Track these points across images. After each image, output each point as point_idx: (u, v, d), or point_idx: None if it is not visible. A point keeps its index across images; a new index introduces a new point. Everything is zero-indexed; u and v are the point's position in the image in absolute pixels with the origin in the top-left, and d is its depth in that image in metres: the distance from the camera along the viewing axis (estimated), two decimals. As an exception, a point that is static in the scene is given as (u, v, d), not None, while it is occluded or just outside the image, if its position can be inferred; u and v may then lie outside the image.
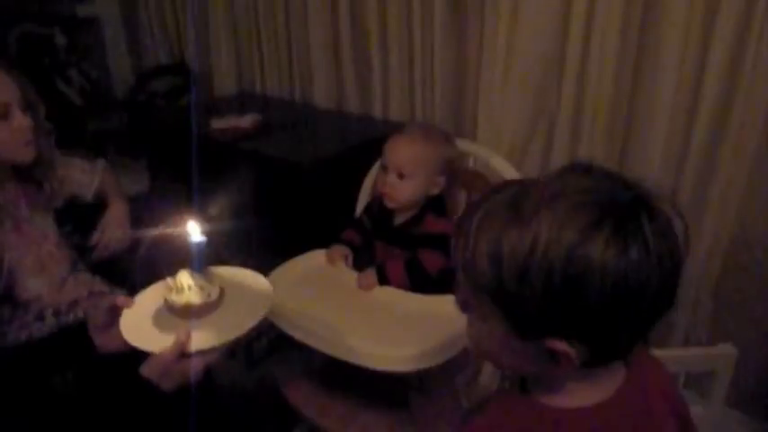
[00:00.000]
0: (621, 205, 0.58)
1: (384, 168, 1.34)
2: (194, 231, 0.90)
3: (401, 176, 1.31)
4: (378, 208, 1.43)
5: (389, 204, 1.35)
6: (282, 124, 2.15)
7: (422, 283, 1.30)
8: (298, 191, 1.78)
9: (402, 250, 1.37)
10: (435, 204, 1.36)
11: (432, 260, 1.31)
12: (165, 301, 0.92)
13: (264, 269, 1.87)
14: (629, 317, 0.59)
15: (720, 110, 1.48)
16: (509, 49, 1.72)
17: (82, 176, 1.54)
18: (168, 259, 0.96)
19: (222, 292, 0.94)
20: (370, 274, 1.30)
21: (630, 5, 1.53)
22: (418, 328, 1.16)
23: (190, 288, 0.90)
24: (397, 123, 2.08)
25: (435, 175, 1.32)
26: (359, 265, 1.41)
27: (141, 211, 2.29)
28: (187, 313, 0.90)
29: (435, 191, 1.35)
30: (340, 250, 1.41)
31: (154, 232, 1.46)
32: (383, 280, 1.29)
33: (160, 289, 0.95)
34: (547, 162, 1.80)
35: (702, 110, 1.50)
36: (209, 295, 0.91)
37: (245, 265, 2.14)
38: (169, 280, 0.92)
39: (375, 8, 2.02)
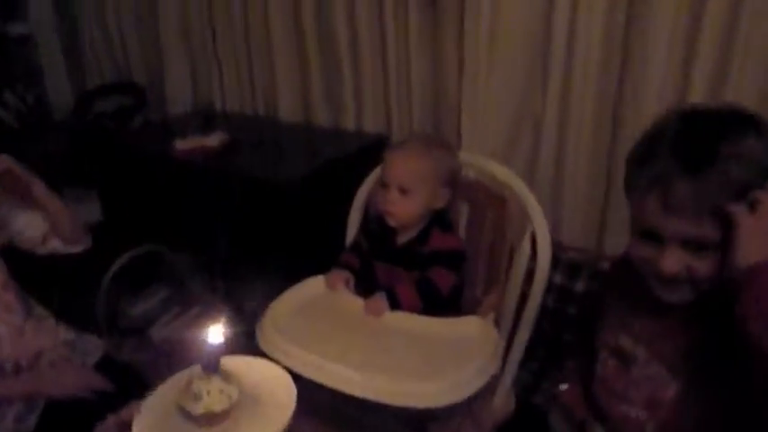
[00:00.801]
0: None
1: (384, 185, 1.25)
2: (216, 333, 0.80)
3: (403, 192, 1.22)
4: (378, 227, 1.33)
5: (392, 223, 1.26)
6: (251, 141, 2.03)
7: (434, 304, 1.22)
8: (283, 212, 1.66)
9: (407, 271, 1.28)
10: (440, 219, 1.28)
11: (444, 279, 1.22)
12: (180, 407, 0.81)
13: (258, 301, 1.76)
14: None
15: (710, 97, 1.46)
16: (490, 54, 1.67)
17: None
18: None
19: (241, 391, 0.84)
20: (380, 299, 1.20)
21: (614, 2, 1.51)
22: (443, 358, 1.07)
23: (209, 393, 0.79)
24: (374, 136, 2.00)
25: (439, 187, 1.24)
26: (360, 290, 1.31)
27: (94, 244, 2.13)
28: (208, 421, 0.80)
29: (440, 204, 1.26)
30: (340, 275, 1.31)
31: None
32: (393, 304, 1.20)
33: (171, 391, 0.85)
34: (534, 167, 1.76)
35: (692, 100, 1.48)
36: (229, 398, 0.80)
37: (235, 298, 2.02)
38: (183, 383, 0.82)
39: (344, 18, 1.93)
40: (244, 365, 0.89)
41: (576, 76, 1.60)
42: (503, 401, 1.35)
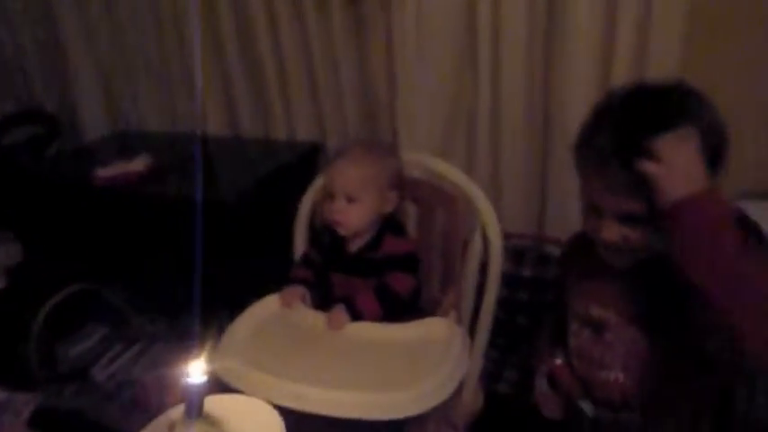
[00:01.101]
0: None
1: (329, 195, 1.22)
2: (196, 371, 0.74)
3: (350, 201, 1.19)
4: (328, 238, 1.30)
5: (342, 232, 1.23)
6: (177, 162, 1.93)
7: (395, 309, 1.20)
8: (223, 232, 1.59)
9: (363, 279, 1.25)
10: (391, 223, 1.26)
11: (402, 282, 1.21)
12: None
13: (209, 330, 1.68)
14: None
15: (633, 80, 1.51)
16: (419, 50, 1.67)
17: None
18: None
19: None
20: (340, 312, 1.17)
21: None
22: (413, 365, 1.05)
23: None
24: (308, 144, 1.96)
25: (386, 191, 1.23)
26: (318, 304, 1.28)
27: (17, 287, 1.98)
28: None
29: (389, 208, 1.25)
30: (295, 291, 1.26)
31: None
32: (354, 315, 1.17)
33: None
34: (472, 161, 1.77)
35: (616, 83, 1.52)
36: None
37: (180, 328, 1.92)
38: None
39: (264, 23, 1.87)
40: (226, 404, 0.83)
41: (504, 67, 1.62)
42: (472, 397, 1.35)
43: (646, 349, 0.93)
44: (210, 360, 1.09)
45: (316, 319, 1.20)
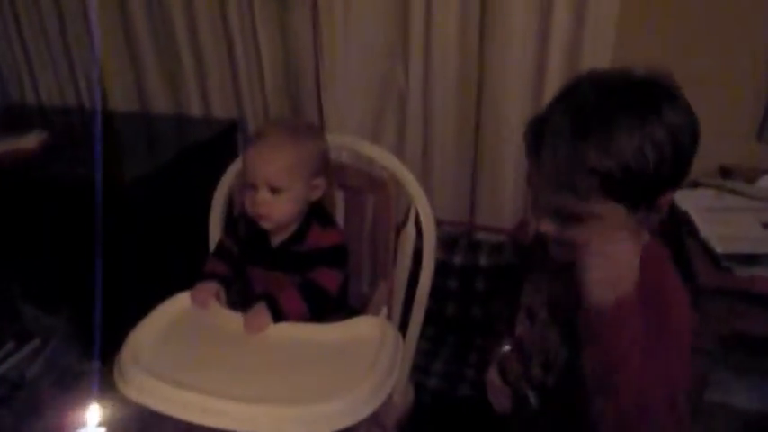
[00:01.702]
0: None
1: (250, 186, 1.08)
2: (93, 420, 0.61)
3: (274, 192, 1.06)
4: (246, 229, 1.17)
5: (266, 226, 1.10)
6: (76, 139, 1.74)
7: (322, 308, 1.09)
8: (126, 219, 1.43)
9: (286, 274, 1.14)
10: (318, 213, 1.15)
11: (329, 278, 1.10)
12: None
13: (110, 333, 1.52)
14: (692, 152, 0.77)
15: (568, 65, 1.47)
16: (347, 27, 1.56)
17: None
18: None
19: None
20: (261, 312, 1.05)
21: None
22: (342, 371, 0.95)
23: None
24: (225, 122, 1.80)
25: (313, 178, 1.10)
26: (234, 302, 1.15)
27: None
28: None
29: (315, 197, 1.13)
30: (208, 288, 1.13)
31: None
32: (276, 315, 1.06)
33: None
34: (402, 143, 1.68)
35: (551, 69, 1.48)
36: None
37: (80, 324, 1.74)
38: None
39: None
40: None
41: (436, 49, 1.54)
42: (402, 397, 1.28)
43: (564, 361, 0.89)
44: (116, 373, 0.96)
45: (232, 319, 1.07)
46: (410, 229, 1.23)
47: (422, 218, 1.20)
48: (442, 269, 1.73)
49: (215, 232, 1.31)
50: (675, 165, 0.74)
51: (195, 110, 1.85)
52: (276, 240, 1.15)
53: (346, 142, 1.26)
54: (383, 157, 1.23)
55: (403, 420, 1.27)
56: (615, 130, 0.72)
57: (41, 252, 1.69)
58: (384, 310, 1.20)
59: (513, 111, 1.56)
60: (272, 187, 1.06)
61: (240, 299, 1.18)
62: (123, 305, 1.53)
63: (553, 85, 1.50)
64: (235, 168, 1.31)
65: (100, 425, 0.61)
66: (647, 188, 0.75)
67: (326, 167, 1.14)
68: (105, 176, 1.49)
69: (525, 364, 0.99)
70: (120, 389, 0.93)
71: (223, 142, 1.79)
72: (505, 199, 1.68)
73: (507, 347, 1.07)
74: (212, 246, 1.30)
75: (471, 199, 1.73)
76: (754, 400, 1.65)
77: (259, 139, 1.07)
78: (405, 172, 1.20)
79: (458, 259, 1.73)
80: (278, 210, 1.07)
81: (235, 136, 1.81)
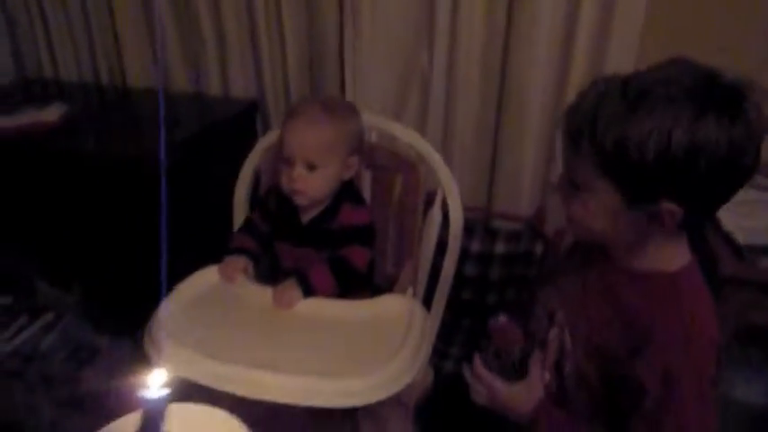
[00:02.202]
0: (723, 91, 0.69)
1: (286, 161, 1.08)
2: (156, 382, 0.60)
3: (311, 168, 1.07)
4: (277, 204, 1.17)
5: (300, 201, 1.11)
6: (97, 114, 1.73)
7: (351, 284, 1.10)
8: (151, 193, 1.42)
9: (315, 250, 1.14)
10: (349, 191, 1.15)
11: (359, 256, 1.11)
12: None
13: (135, 310, 1.52)
14: (725, 182, 0.71)
15: (595, 50, 1.46)
16: (373, 6, 1.54)
17: None
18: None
19: None
20: (291, 287, 1.05)
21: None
22: (372, 347, 0.96)
23: None
24: (245, 102, 1.80)
25: (348, 156, 1.11)
26: (262, 277, 1.16)
27: None
28: None
29: (349, 175, 1.13)
30: (237, 262, 1.13)
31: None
32: (306, 290, 1.06)
33: None
34: (423, 125, 1.68)
35: (577, 56, 1.48)
36: None
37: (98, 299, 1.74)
38: None
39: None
40: (187, 417, 0.70)
41: (461, 30, 1.53)
42: (422, 377, 1.28)
43: (571, 369, 0.87)
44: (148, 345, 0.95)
45: (261, 294, 1.08)
46: (436, 212, 1.23)
47: (449, 200, 1.20)
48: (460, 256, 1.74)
49: (239, 209, 1.31)
50: (682, 173, 0.69)
51: (215, 89, 1.84)
52: (306, 217, 1.15)
53: (376, 122, 1.25)
54: (412, 139, 1.23)
55: (421, 401, 1.28)
56: (643, 107, 0.69)
57: (58, 226, 1.69)
58: (410, 290, 1.20)
59: (536, 98, 1.55)
60: (309, 163, 1.06)
61: (267, 274, 1.19)
62: (141, 282, 1.54)
63: (578, 73, 1.50)
64: (262, 146, 1.31)
65: (164, 387, 0.61)
66: (641, 177, 0.71)
67: (361, 146, 1.14)
68: (133, 151, 1.49)
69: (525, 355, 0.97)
70: (156, 362, 0.93)
71: (243, 122, 1.78)
72: (524, 187, 1.68)
73: (503, 318, 1.00)
74: (236, 222, 1.31)
75: (489, 185, 1.73)
76: (761, 395, 1.66)
77: (298, 115, 1.07)
78: (435, 155, 1.20)
79: (475, 246, 1.73)
80: (313, 186, 1.07)
81: (254, 116, 1.81)
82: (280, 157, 1.10)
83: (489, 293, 1.74)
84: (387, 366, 0.90)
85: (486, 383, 0.93)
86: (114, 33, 1.88)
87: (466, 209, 1.76)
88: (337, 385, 0.87)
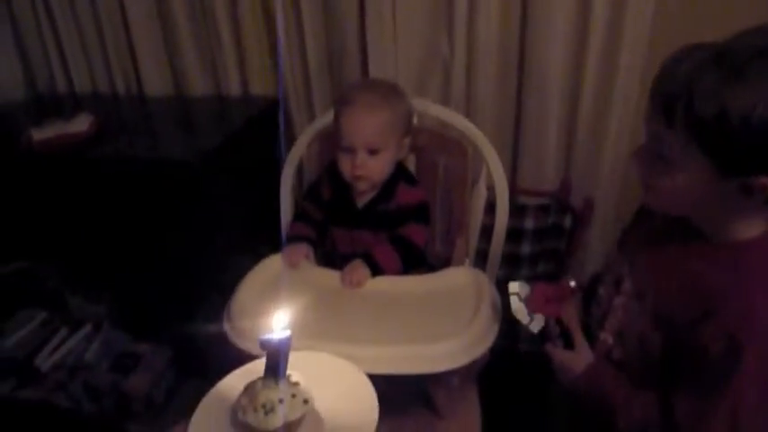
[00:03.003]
0: None
1: (347, 149, 1.11)
2: (279, 324, 0.64)
3: (372, 152, 1.10)
4: (331, 191, 1.20)
5: (362, 187, 1.14)
6: (123, 122, 1.75)
7: (413, 261, 1.13)
8: (196, 195, 1.45)
9: (372, 232, 1.17)
10: (403, 172, 1.19)
11: (419, 234, 1.14)
12: (247, 426, 0.65)
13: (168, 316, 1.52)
14: None
15: (612, 31, 1.51)
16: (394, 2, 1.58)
17: None
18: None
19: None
20: (359, 267, 1.09)
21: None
22: (451, 315, 1.00)
23: (282, 402, 0.63)
24: (267, 100, 1.82)
25: (403, 137, 1.14)
26: (320, 263, 1.19)
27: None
28: None
29: (403, 155, 1.17)
30: (299, 249, 1.16)
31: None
32: (373, 270, 1.09)
33: (221, 410, 0.69)
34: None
35: (593, 41, 1.52)
36: (304, 402, 0.66)
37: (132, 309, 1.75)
38: (239, 396, 0.65)
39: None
40: (309, 363, 0.73)
41: (480, 16, 1.57)
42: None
43: (637, 337, 0.87)
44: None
45: (329, 277, 1.11)
46: (482, 188, 1.27)
47: (494, 175, 1.24)
48: (488, 233, 1.79)
49: (286, 200, 1.34)
50: None
51: (234, 90, 1.86)
52: (362, 201, 1.18)
53: (417, 105, 1.29)
54: (457, 120, 1.27)
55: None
56: (745, 78, 0.66)
57: (88, 238, 1.70)
58: (467, 263, 1.24)
59: (555, 79, 1.59)
60: (371, 149, 1.09)
61: (324, 261, 1.22)
62: (172, 288, 1.56)
63: (596, 53, 1.54)
64: (306, 139, 1.34)
65: (286, 329, 0.65)
66: (739, 150, 0.69)
67: (411, 127, 1.17)
68: (171, 154, 1.51)
69: (589, 321, 0.98)
70: (240, 346, 0.96)
71: (265, 121, 1.81)
72: (548, 164, 1.72)
73: (573, 283, 0.98)
74: (284, 213, 1.33)
75: (513, 165, 1.77)
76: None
77: (354, 103, 1.10)
78: (479, 134, 1.24)
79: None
80: (375, 170, 1.11)
81: (276, 114, 1.83)
82: (338, 145, 1.12)
83: (521, 269, 1.78)
84: (469, 330, 0.94)
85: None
86: (129, 43, 1.89)
87: (489, 188, 1.82)
88: (427, 351, 0.90)
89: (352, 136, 1.09)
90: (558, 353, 0.90)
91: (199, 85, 1.90)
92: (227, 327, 1.01)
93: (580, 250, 1.73)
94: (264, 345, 0.64)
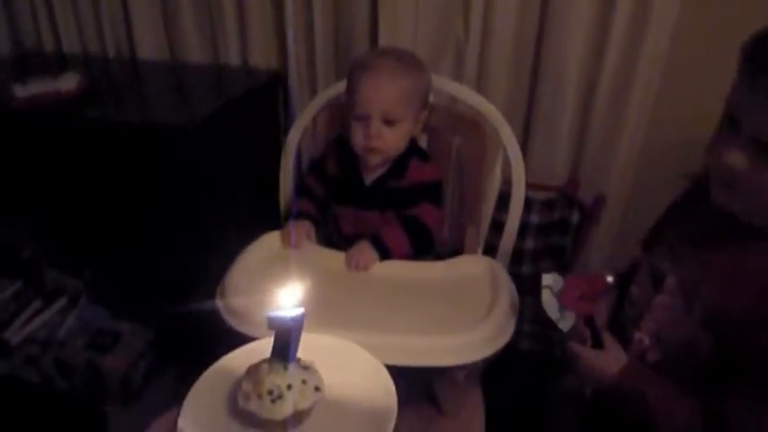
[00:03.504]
0: None
1: (360, 117, 1.02)
2: (289, 300, 0.56)
3: (388, 123, 1.01)
4: (337, 166, 1.12)
5: (374, 160, 1.05)
6: (113, 84, 1.64)
7: (425, 245, 1.05)
8: (189, 164, 1.35)
9: (380, 212, 1.09)
10: (416, 148, 1.10)
11: (431, 215, 1.06)
12: (248, 412, 0.57)
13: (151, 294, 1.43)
14: None
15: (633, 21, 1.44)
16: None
17: None
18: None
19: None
20: (367, 249, 1.00)
21: None
22: (465, 305, 0.92)
23: (290, 388, 0.55)
24: (268, 72, 1.72)
25: (421, 110, 1.06)
26: (322, 243, 1.10)
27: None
28: (294, 424, 0.57)
29: (418, 130, 1.09)
30: (301, 227, 1.08)
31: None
32: (381, 252, 1.01)
33: (221, 396, 0.60)
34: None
35: (615, 29, 1.45)
36: (316, 390, 0.57)
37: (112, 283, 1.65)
38: (244, 384, 0.56)
39: None
40: (319, 347, 0.64)
41: (497, 4, 1.50)
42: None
43: (682, 331, 0.81)
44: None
45: (333, 259, 1.03)
46: (497, 173, 1.19)
47: (512, 159, 1.17)
48: (493, 227, 1.72)
49: (286, 175, 1.25)
50: None
51: (233, 59, 1.76)
52: (371, 177, 1.10)
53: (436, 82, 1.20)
54: (471, 97, 1.19)
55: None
56: None
57: (68, 205, 1.60)
58: (479, 253, 1.16)
59: (574, 68, 1.52)
60: (387, 119, 1.01)
61: (325, 242, 1.13)
62: (157, 266, 1.47)
63: (618, 41, 1.47)
64: (309, 113, 1.25)
65: (298, 306, 0.56)
66: None
67: (428, 101, 1.09)
68: (168, 119, 1.41)
69: (622, 321, 0.92)
70: (248, 331, 0.87)
71: (265, 94, 1.71)
72: (559, 156, 1.65)
73: (610, 279, 0.91)
74: (284, 193, 1.25)
75: (522, 153, 1.70)
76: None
77: (373, 68, 1.02)
78: (495, 112, 1.16)
79: (506, 217, 1.70)
80: (390, 142, 1.02)
81: (277, 89, 1.74)
82: (351, 114, 1.04)
83: (524, 264, 1.71)
84: (494, 319, 0.86)
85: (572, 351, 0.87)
86: (123, 3, 1.78)
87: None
88: (458, 341, 0.83)
89: (368, 103, 1.01)
90: (586, 352, 0.82)
91: (195, 52, 1.80)
92: (219, 304, 0.92)
93: (587, 247, 1.67)
94: (273, 323, 0.56)
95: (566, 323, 0.83)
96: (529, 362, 1.59)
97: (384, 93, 1.00)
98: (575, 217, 1.67)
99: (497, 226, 1.67)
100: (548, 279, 0.84)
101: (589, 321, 0.83)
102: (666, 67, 1.48)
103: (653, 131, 1.58)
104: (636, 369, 0.81)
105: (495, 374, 1.38)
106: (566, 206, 1.68)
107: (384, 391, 0.59)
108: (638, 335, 0.85)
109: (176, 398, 0.61)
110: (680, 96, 1.52)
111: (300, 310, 0.55)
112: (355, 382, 0.61)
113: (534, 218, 1.69)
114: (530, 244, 1.70)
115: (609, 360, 0.81)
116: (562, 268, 1.72)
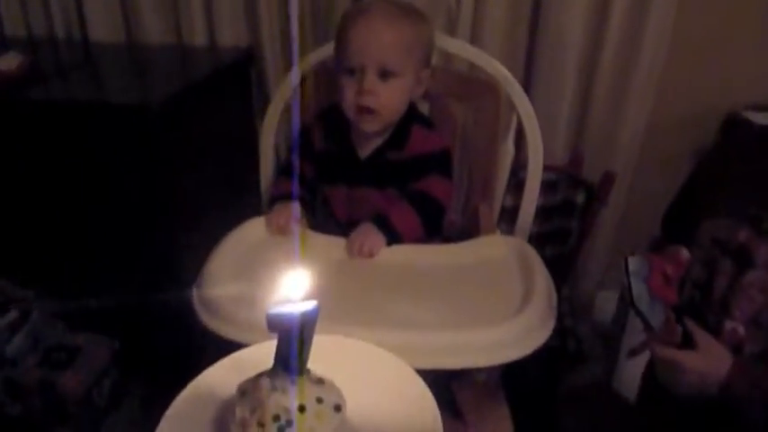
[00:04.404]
0: None
1: (353, 71, 0.86)
2: (297, 291, 0.39)
3: (385, 76, 0.85)
4: (325, 138, 0.95)
5: (368, 126, 0.89)
6: (60, 65, 1.45)
7: (436, 224, 0.90)
8: (153, 149, 1.17)
9: (378, 189, 0.93)
10: (417, 114, 0.95)
11: (442, 189, 0.91)
12: None
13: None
14: None
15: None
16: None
17: None
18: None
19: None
20: (371, 232, 0.84)
21: None
22: (495, 295, 0.76)
23: (303, 411, 0.40)
24: (237, 51, 1.55)
25: (423, 68, 0.90)
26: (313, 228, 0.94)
27: None
28: None
29: (420, 92, 0.93)
30: (287, 210, 0.91)
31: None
32: (389, 236, 0.85)
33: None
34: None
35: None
36: (336, 410, 0.42)
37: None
38: (239, 408, 0.40)
39: None
40: (336, 352, 0.48)
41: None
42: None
43: None
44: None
45: (330, 244, 0.86)
46: (509, 146, 1.05)
47: (527, 129, 1.02)
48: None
49: (267, 154, 1.08)
50: None
51: (200, 40, 1.58)
52: (366, 150, 0.94)
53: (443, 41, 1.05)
54: (478, 57, 1.04)
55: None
56: None
57: (12, 205, 1.41)
58: (498, 233, 1.01)
59: (574, 41, 1.42)
60: (384, 70, 0.85)
61: (322, 223, 0.97)
62: (121, 267, 1.31)
63: (617, 20, 1.38)
64: (287, 88, 1.08)
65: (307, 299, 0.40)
66: None
67: (431, 59, 0.94)
68: (124, 100, 1.23)
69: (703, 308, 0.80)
70: (228, 333, 0.70)
71: (236, 73, 1.55)
72: (559, 135, 1.54)
73: (685, 252, 0.76)
74: (264, 169, 1.08)
75: (518, 135, 1.57)
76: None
77: (367, 13, 0.86)
78: (507, 75, 1.02)
79: (507, 201, 1.56)
80: (387, 100, 0.86)
81: (248, 67, 1.57)
82: (342, 70, 0.87)
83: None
84: (533, 311, 0.71)
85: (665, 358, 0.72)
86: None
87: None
88: (491, 337, 0.67)
89: (362, 51, 0.85)
90: (688, 359, 0.67)
91: (155, 32, 1.61)
92: (196, 303, 0.75)
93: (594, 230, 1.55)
94: (275, 323, 0.39)
95: (656, 318, 0.67)
96: (541, 356, 1.45)
97: (380, 38, 0.84)
98: (580, 197, 1.54)
99: (503, 210, 1.55)
100: (634, 263, 0.68)
101: (677, 313, 0.67)
102: (674, 37, 1.40)
103: (664, 101, 1.48)
104: (743, 365, 0.67)
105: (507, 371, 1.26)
106: (570, 186, 1.55)
107: (432, 416, 0.43)
108: (729, 324, 0.72)
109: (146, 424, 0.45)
110: (688, 66, 1.44)
111: (312, 304, 0.39)
112: (386, 399, 0.45)
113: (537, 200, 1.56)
114: (532, 229, 1.57)
115: (713, 362, 0.66)
116: (568, 253, 1.59)
